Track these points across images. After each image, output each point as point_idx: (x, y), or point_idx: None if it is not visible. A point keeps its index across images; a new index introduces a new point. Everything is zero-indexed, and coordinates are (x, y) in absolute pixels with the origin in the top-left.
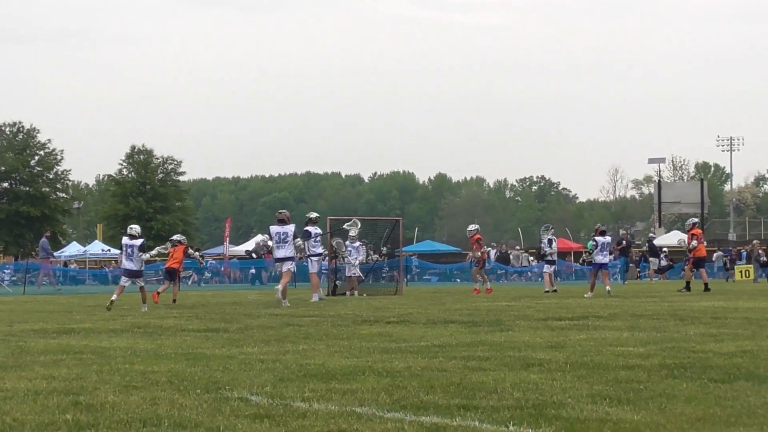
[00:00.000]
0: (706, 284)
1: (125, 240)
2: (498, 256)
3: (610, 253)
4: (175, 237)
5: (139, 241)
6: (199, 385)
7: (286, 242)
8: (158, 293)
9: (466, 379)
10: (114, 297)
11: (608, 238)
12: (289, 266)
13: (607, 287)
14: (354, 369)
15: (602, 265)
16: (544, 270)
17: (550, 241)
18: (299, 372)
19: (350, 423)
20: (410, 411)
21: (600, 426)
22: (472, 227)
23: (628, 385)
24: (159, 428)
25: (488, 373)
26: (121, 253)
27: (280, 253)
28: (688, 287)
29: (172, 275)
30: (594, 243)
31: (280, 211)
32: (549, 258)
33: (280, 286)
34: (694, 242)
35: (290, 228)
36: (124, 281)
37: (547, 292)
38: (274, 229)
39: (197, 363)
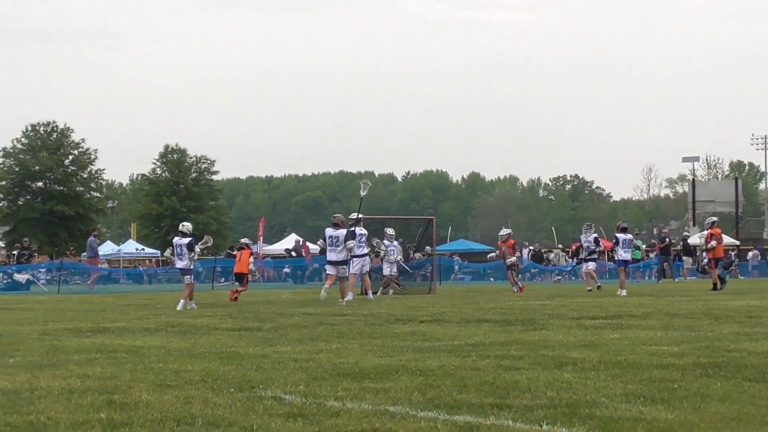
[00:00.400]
0: (715, 284)
1: (176, 239)
2: (532, 255)
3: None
4: (243, 240)
5: (187, 240)
6: (232, 384)
7: (338, 246)
8: (237, 292)
9: (499, 378)
10: (187, 302)
11: (630, 236)
12: (353, 270)
13: (623, 290)
14: (387, 368)
15: (625, 262)
16: (590, 268)
17: (597, 240)
18: (332, 371)
19: (383, 422)
20: (443, 410)
21: (634, 425)
22: (504, 231)
23: (662, 384)
24: (192, 427)
25: (521, 372)
26: (172, 253)
27: (332, 257)
28: (715, 287)
29: (241, 279)
30: (615, 239)
31: (335, 215)
32: (594, 256)
33: (349, 291)
34: (713, 242)
35: (342, 232)
36: (188, 280)
37: (590, 290)
38: (329, 231)
39: (231, 362)
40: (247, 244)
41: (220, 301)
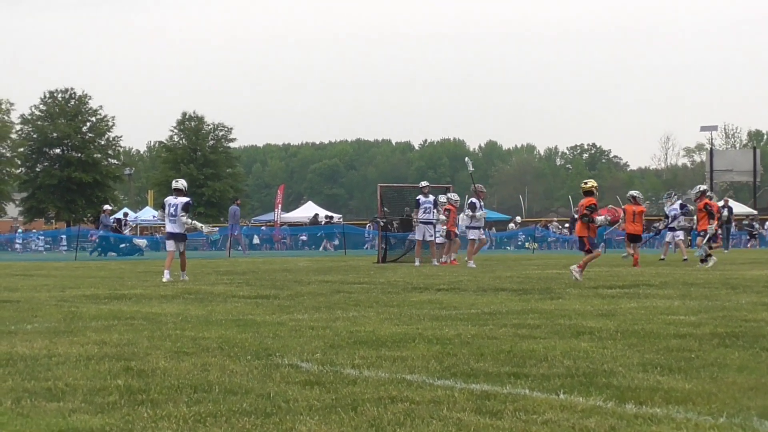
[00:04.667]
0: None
1: (169, 199)
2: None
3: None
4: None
5: (184, 200)
6: (249, 352)
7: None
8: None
9: (516, 347)
10: (166, 275)
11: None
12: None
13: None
14: (404, 336)
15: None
16: (679, 238)
17: (684, 206)
18: (349, 339)
19: (400, 390)
20: (460, 378)
21: (651, 395)
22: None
23: (679, 353)
24: (210, 394)
25: (538, 341)
26: (162, 214)
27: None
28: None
29: None
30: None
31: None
32: (684, 224)
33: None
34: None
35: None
36: (170, 246)
37: (686, 259)
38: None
39: (248, 329)
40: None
41: (236, 269)
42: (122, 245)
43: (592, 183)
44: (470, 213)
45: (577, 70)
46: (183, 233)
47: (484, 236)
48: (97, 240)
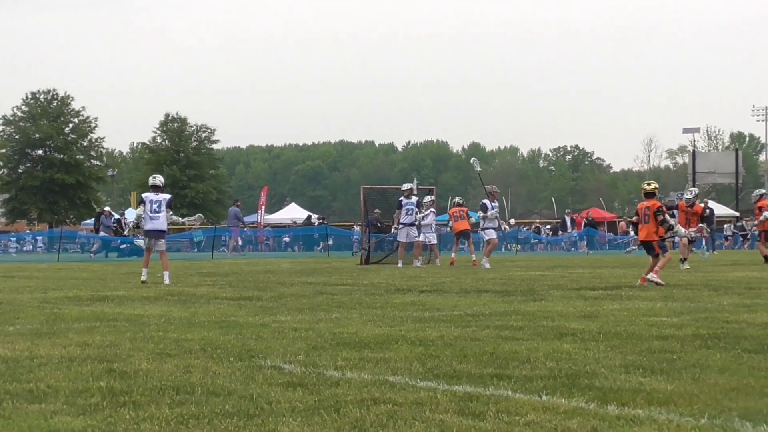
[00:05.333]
0: (766, 256)
1: (149, 195)
2: (587, 223)
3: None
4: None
5: (167, 196)
6: (232, 353)
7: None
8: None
9: (499, 348)
10: (144, 276)
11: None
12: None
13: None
14: (387, 338)
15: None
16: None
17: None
18: (332, 340)
19: (383, 392)
20: (443, 380)
21: (633, 396)
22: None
23: (661, 355)
24: (192, 396)
25: (521, 342)
26: (143, 210)
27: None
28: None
29: None
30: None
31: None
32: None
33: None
34: (766, 213)
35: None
36: (148, 244)
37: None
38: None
39: (230, 331)
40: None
41: (219, 270)
42: (123, 246)
43: (654, 185)
44: (482, 214)
45: (560, 72)
46: (165, 231)
47: (496, 237)
48: (98, 243)
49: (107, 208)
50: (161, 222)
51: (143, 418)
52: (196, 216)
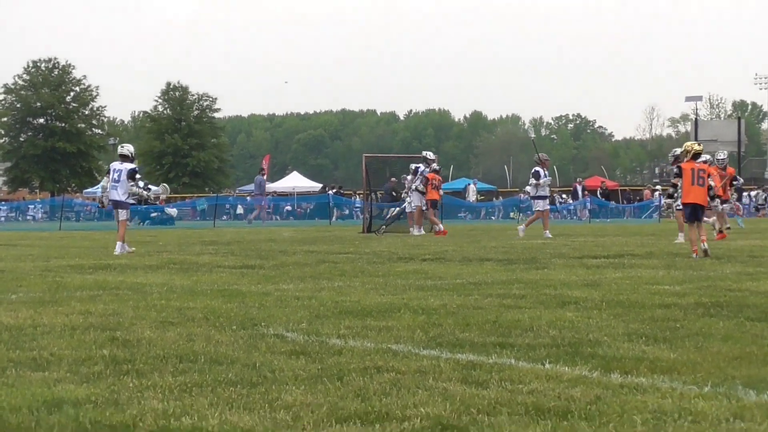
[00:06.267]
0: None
1: (114, 164)
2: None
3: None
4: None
5: (129, 166)
6: (234, 322)
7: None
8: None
9: (501, 317)
10: (118, 247)
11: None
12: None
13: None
14: (389, 306)
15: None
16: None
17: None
18: (335, 309)
19: (386, 360)
20: (446, 348)
21: (636, 364)
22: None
23: (664, 323)
24: (195, 364)
25: (524, 311)
26: (107, 180)
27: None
28: None
29: None
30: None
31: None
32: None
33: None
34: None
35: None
36: (123, 215)
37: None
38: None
39: (233, 300)
40: None
41: (221, 239)
42: (154, 214)
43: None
44: (534, 182)
45: (563, 39)
46: (125, 201)
47: (547, 208)
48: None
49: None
50: (119, 192)
51: (146, 386)
52: (161, 186)
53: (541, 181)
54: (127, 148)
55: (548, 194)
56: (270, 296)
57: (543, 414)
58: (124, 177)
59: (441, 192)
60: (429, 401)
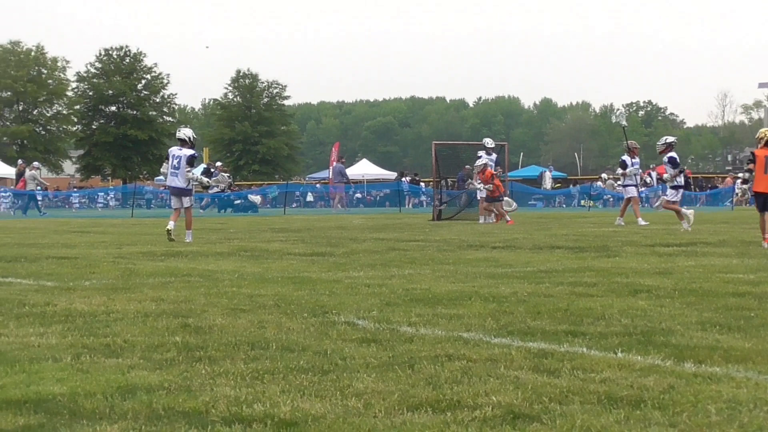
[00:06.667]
0: None
1: (173, 149)
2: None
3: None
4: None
5: (189, 152)
6: (305, 309)
7: None
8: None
9: (573, 305)
10: (170, 225)
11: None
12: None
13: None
14: (460, 294)
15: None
16: None
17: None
18: (405, 297)
19: (457, 348)
20: (517, 336)
21: (710, 353)
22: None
23: (738, 312)
24: (266, 351)
25: (595, 299)
26: (166, 166)
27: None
28: None
29: None
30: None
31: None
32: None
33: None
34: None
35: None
36: (175, 204)
37: None
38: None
39: (303, 287)
40: None
41: (291, 226)
42: (237, 201)
43: None
44: (620, 171)
45: (633, 26)
46: (187, 188)
47: (637, 194)
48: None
49: (219, 162)
50: (179, 179)
51: (218, 373)
52: (221, 175)
53: (628, 170)
54: (185, 132)
55: (637, 182)
56: (340, 283)
57: (615, 403)
58: (183, 163)
59: (489, 186)
60: (500, 389)
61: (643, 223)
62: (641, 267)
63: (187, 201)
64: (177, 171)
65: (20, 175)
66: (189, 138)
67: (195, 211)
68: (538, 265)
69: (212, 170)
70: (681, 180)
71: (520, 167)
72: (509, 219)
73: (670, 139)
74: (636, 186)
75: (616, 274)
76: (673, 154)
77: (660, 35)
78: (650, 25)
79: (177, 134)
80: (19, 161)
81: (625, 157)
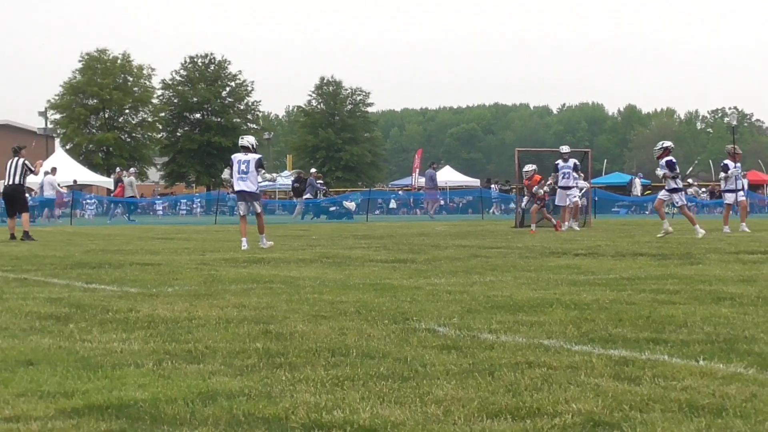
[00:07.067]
0: None
1: (238, 155)
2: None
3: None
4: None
5: (256, 156)
6: (386, 316)
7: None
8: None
9: (655, 312)
10: (244, 245)
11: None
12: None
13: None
14: (541, 301)
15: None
16: None
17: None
18: (486, 304)
19: (538, 355)
20: (598, 344)
21: None
22: (529, 168)
23: None
24: (347, 358)
25: (678, 306)
26: (230, 173)
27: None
28: None
29: None
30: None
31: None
32: None
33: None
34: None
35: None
36: (243, 210)
37: None
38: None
39: (385, 293)
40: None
41: (374, 233)
42: (332, 208)
43: None
44: (723, 175)
45: (719, 32)
46: (256, 192)
47: (743, 198)
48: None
49: (314, 170)
50: (249, 183)
51: (299, 379)
52: (293, 171)
53: (729, 172)
54: (248, 140)
55: (738, 187)
56: (422, 290)
57: (697, 411)
58: (252, 167)
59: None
60: (581, 397)
61: (745, 229)
62: (725, 274)
63: (258, 206)
64: (246, 175)
65: (118, 181)
66: (252, 145)
67: (223, 218)
68: (621, 272)
69: (307, 179)
70: (679, 183)
71: (603, 174)
72: (533, 228)
73: (667, 143)
74: (734, 192)
75: (699, 281)
76: (670, 158)
77: (746, 39)
78: (736, 29)
79: (240, 141)
80: (117, 168)
81: (727, 162)
